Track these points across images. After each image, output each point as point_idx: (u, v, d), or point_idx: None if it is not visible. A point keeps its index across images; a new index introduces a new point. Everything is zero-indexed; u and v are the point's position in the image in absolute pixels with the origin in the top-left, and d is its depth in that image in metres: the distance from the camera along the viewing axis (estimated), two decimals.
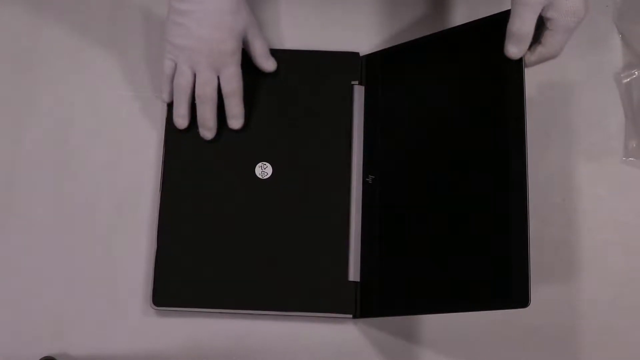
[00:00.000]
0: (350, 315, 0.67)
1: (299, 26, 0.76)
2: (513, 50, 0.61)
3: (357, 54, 0.74)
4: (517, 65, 0.61)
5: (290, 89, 0.72)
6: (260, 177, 0.69)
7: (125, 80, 0.74)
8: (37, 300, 0.69)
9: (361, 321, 0.69)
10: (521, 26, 0.59)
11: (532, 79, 0.73)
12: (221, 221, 0.69)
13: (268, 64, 0.71)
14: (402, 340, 0.69)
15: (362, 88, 0.72)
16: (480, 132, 0.63)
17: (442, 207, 0.64)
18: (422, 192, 0.66)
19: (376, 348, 0.69)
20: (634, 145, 0.73)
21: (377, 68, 0.72)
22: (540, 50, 0.61)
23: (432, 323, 0.69)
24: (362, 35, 0.76)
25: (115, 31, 0.75)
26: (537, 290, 0.70)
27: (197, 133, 0.70)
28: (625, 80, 0.75)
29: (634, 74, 0.75)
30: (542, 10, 0.58)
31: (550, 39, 0.60)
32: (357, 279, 0.67)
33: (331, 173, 0.70)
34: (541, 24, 0.60)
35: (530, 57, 0.62)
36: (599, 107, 0.75)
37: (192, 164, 0.70)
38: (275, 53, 0.73)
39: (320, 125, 0.71)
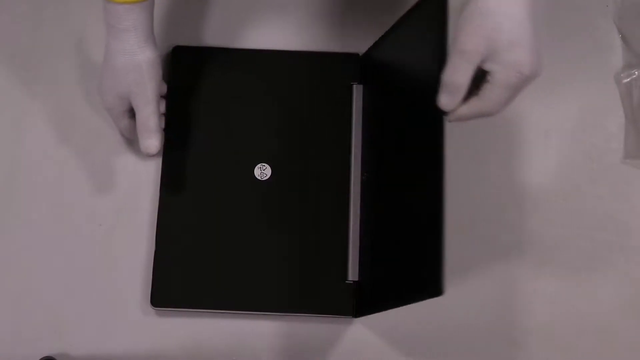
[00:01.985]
0: (350, 316, 0.67)
1: (300, 27, 0.76)
2: (444, 100, 0.54)
3: (356, 54, 0.74)
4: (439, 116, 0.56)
5: (289, 90, 0.72)
6: (259, 178, 0.69)
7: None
8: (37, 300, 0.69)
9: (360, 320, 0.69)
10: (454, 76, 0.53)
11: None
12: (220, 222, 0.69)
13: (146, 144, 0.66)
14: (402, 338, 0.69)
15: (361, 87, 0.72)
16: (419, 135, 0.62)
17: (385, 206, 0.66)
18: (379, 191, 0.67)
19: (375, 347, 0.69)
20: (634, 145, 0.73)
21: (369, 65, 0.72)
22: (475, 103, 0.54)
23: (432, 322, 0.70)
24: (361, 34, 0.76)
25: None
26: (537, 289, 0.70)
27: (195, 136, 0.70)
28: (625, 80, 0.75)
29: (634, 73, 0.75)
30: (482, 61, 0.52)
31: (488, 93, 0.53)
32: (356, 279, 0.68)
33: (330, 173, 0.70)
34: (482, 76, 0.53)
35: (462, 110, 0.54)
36: (599, 107, 0.75)
37: (190, 166, 0.70)
38: (275, 54, 0.73)
39: (319, 126, 0.71)
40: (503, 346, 0.69)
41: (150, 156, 0.68)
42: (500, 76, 0.52)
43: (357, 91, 0.72)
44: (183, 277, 0.68)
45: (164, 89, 0.69)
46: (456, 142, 0.72)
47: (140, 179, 0.72)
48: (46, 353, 0.67)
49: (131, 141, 0.72)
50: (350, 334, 0.69)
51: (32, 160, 0.72)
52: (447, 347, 0.69)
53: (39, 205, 0.71)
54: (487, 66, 0.52)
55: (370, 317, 0.67)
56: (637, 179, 0.73)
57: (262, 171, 0.69)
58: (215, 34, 0.76)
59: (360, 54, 0.74)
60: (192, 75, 0.72)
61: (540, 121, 0.73)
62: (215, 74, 0.72)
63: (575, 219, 0.72)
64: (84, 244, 0.70)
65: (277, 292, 0.67)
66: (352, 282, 0.67)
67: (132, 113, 0.67)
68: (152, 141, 0.66)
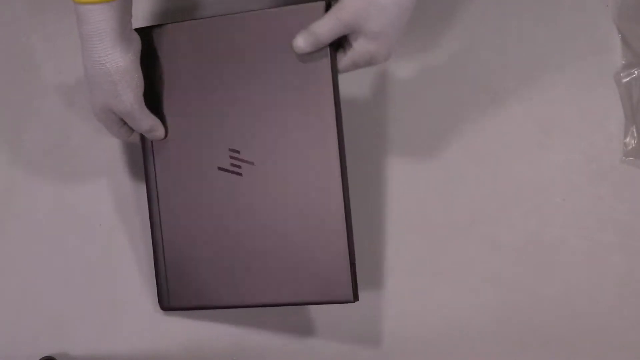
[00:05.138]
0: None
1: None
2: (299, 40, 0.59)
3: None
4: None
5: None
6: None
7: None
8: (37, 300, 0.69)
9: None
10: (319, 29, 0.58)
11: (533, 78, 0.74)
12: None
13: (149, 138, 0.65)
14: (402, 337, 0.70)
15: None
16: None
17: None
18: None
19: (378, 330, 0.69)
20: (634, 145, 0.73)
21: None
22: (346, 57, 0.60)
23: (432, 322, 0.70)
24: None
25: None
26: (537, 290, 0.70)
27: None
28: (625, 80, 0.75)
29: (634, 73, 0.74)
30: (349, 32, 0.58)
31: (342, 61, 0.60)
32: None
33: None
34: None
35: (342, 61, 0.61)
36: (599, 107, 0.75)
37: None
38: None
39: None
40: (503, 346, 0.70)
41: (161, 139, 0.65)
42: (353, 56, 0.59)
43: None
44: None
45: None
46: (456, 142, 0.72)
47: (140, 179, 0.72)
48: (46, 353, 0.67)
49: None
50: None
51: (32, 160, 0.72)
52: (447, 346, 0.69)
53: (39, 205, 0.71)
54: (350, 38, 0.59)
55: (377, 302, 0.67)
56: (637, 179, 0.73)
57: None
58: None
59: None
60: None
61: (540, 121, 0.73)
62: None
63: (575, 219, 0.72)
64: (84, 244, 0.70)
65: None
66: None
67: (123, 121, 0.63)
68: (153, 134, 0.64)
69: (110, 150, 0.73)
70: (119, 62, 0.58)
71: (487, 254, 0.71)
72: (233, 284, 0.65)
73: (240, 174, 0.64)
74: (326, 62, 0.61)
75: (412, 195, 0.72)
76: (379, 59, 0.59)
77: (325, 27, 0.58)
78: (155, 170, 0.67)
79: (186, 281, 0.66)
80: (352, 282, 0.61)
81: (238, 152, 0.64)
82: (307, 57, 0.61)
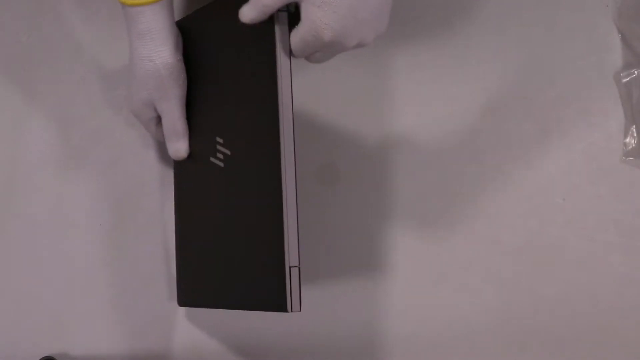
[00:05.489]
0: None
1: None
2: (245, 9, 0.53)
3: None
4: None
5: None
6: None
7: (126, 80, 0.74)
8: (37, 300, 0.69)
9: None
10: None
11: (533, 78, 0.74)
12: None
13: (174, 147, 0.64)
14: (402, 338, 0.70)
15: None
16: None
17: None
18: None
19: (378, 330, 0.69)
20: (634, 145, 0.73)
21: None
22: (292, 33, 0.53)
23: (432, 322, 0.70)
24: None
25: (116, 30, 0.75)
26: (537, 290, 0.70)
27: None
28: (625, 80, 0.75)
29: (634, 73, 0.74)
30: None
31: (292, 35, 0.54)
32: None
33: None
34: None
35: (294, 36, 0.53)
36: (599, 107, 0.75)
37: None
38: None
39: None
40: (503, 346, 0.70)
41: (179, 159, 0.65)
42: (299, 28, 0.52)
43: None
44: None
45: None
46: (456, 142, 0.72)
47: (140, 179, 0.72)
48: (46, 353, 0.67)
49: (133, 136, 0.72)
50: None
51: (32, 160, 0.72)
52: (447, 346, 0.69)
53: (39, 205, 0.71)
54: (300, 7, 0.52)
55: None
56: (637, 179, 0.73)
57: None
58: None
59: None
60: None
61: (539, 121, 0.73)
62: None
63: (575, 219, 0.72)
64: (84, 244, 0.70)
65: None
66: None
67: (159, 119, 0.65)
68: (180, 144, 0.64)
69: (110, 150, 0.73)
70: (168, 59, 0.60)
71: (487, 254, 0.71)
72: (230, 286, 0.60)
73: (222, 165, 0.61)
74: (270, 27, 0.54)
75: (412, 194, 0.72)
76: (325, 36, 0.51)
77: None
78: (175, 164, 0.67)
79: (197, 279, 0.64)
80: (289, 289, 0.52)
81: (221, 142, 0.61)
82: (255, 29, 0.55)
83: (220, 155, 0.61)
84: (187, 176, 0.67)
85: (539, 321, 0.70)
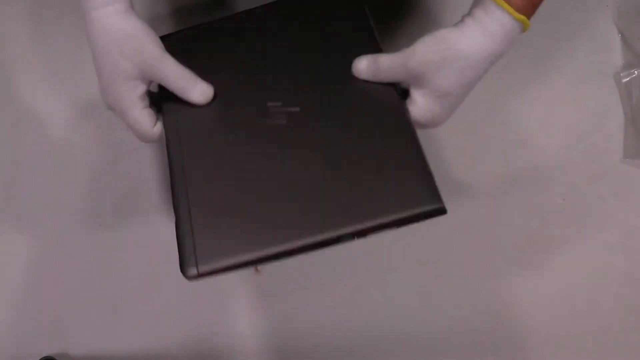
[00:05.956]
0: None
1: None
2: (362, 64, 0.56)
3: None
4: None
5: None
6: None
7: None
8: (37, 300, 0.69)
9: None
10: (383, 65, 0.54)
11: (533, 78, 0.74)
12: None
13: (198, 90, 0.58)
14: (403, 338, 0.70)
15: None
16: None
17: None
18: None
19: (378, 330, 0.69)
20: (634, 145, 0.73)
21: None
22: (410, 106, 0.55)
23: (432, 322, 0.70)
24: None
25: None
26: (537, 290, 0.70)
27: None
28: (625, 80, 0.75)
29: (634, 73, 0.75)
30: (412, 82, 0.54)
31: (411, 109, 0.55)
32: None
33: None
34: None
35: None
36: (599, 107, 0.75)
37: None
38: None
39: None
40: (503, 346, 0.70)
41: (208, 101, 0.58)
42: (414, 111, 0.54)
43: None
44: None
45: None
46: (456, 142, 0.72)
47: (140, 179, 0.72)
48: (46, 353, 0.67)
49: (141, 137, 0.72)
50: None
51: (32, 160, 0.72)
52: (447, 346, 0.69)
53: (39, 205, 0.71)
54: (413, 92, 0.54)
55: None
56: (637, 179, 0.73)
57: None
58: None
59: None
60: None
61: (540, 121, 0.73)
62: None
63: (575, 219, 0.72)
64: (84, 243, 0.70)
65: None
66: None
67: (148, 95, 0.58)
68: (201, 85, 0.58)
69: (110, 150, 0.73)
70: (138, 23, 0.55)
71: (487, 254, 0.71)
72: (281, 224, 0.56)
73: (283, 123, 0.60)
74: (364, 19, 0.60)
75: None
76: (438, 122, 0.54)
77: (387, 63, 0.54)
78: (180, 138, 0.61)
79: (220, 238, 0.57)
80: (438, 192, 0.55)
81: (279, 104, 0.60)
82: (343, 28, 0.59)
83: (281, 116, 0.60)
84: (221, 142, 0.60)
85: (539, 321, 0.70)
